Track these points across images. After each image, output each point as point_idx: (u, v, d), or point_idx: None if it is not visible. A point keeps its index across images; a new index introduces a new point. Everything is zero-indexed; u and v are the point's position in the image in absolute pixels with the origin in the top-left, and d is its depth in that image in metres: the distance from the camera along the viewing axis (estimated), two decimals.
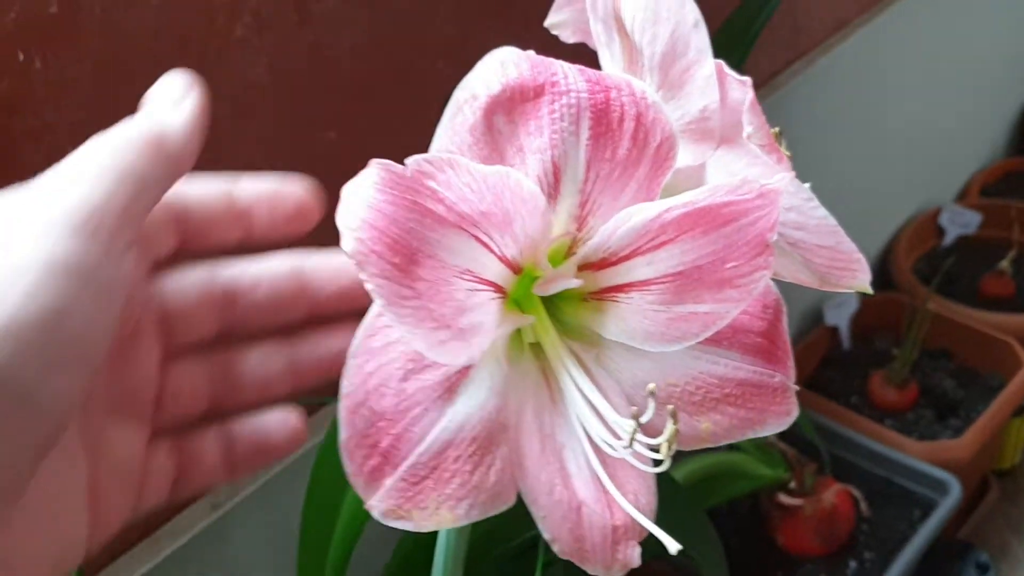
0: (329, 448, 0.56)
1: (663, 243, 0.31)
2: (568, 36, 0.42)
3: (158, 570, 0.65)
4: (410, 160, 0.28)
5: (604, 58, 0.38)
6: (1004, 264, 1.37)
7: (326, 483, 0.57)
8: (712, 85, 0.33)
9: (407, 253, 0.28)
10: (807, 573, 1.06)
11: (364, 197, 0.27)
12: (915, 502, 1.12)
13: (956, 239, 1.46)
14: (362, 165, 0.28)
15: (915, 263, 1.45)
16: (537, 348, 0.33)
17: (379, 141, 0.68)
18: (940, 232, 1.48)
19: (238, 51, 0.59)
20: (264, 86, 0.62)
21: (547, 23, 0.42)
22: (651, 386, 0.31)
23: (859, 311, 1.33)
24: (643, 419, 0.30)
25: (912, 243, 1.46)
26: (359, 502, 0.54)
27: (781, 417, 0.34)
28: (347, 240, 0.27)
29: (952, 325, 1.30)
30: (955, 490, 1.09)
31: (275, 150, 0.64)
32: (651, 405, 0.30)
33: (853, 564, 1.07)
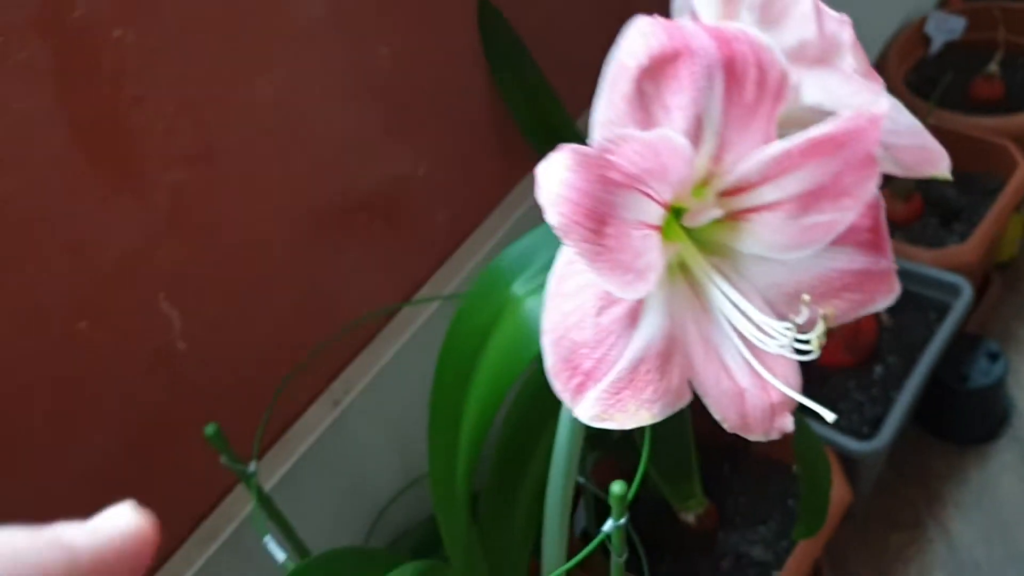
0: (446, 352, 0.63)
1: (790, 169, 0.37)
2: None
3: (296, 468, 0.72)
4: (592, 141, 0.33)
5: None
6: (992, 67, 1.41)
7: (446, 388, 0.64)
8: (809, 20, 0.38)
9: (598, 218, 0.34)
10: (837, 382, 1.17)
11: (559, 177, 0.33)
12: (930, 306, 1.21)
13: (943, 46, 1.50)
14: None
15: (906, 74, 1.50)
16: (683, 268, 0.40)
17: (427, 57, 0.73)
18: (927, 41, 1.52)
19: None
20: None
21: None
22: (806, 297, 0.37)
23: None
24: (799, 320, 0.37)
25: (901, 54, 1.50)
26: (483, 405, 0.62)
27: (887, 295, 0.41)
28: (550, 214, 0.33)
29: (947, 133, 1.36)
30: (966, 291, 1.18)
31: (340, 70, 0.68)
32: (804, 311, 0.37)
33: (879, 369, 1.17)
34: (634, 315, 0.37)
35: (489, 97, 0.80)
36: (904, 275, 1.24)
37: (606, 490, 0.94)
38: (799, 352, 0.38)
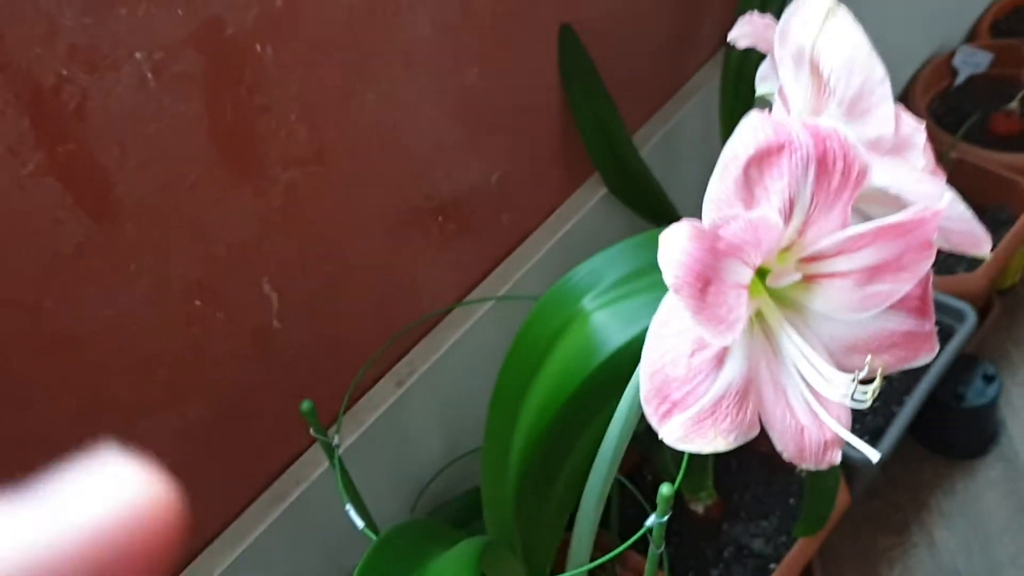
0: (515, 350, 0.70)
1: (861, 247, 0.44)
2: (743, 44, 0.53)
3: (360, 440, 0.80)
4: (705, 219, 0.40)
5: (788, 80, 0.49)
6: (1013, 104, 1.48)
7: (511, 382, 0.71)
8: (889, 121, 0.45)
9: (705, 280, 0.41)
10: None
11: (679, 245, 0.40)
12: (937, 329, 1.28)
13: (968, 79, 1.57)
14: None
15: (930, 103, 1.57)
16: (760, 317, 0.47)
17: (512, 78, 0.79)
18: (954, 72, 1.58)
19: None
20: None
21: (729, 37, 0.53)
22: (868, 359, 0.44)
23: None
24: (860, 376, 0.44)
25: (927, 84, 1.57)
26: (544, 401, 0.69)
27: (929, 353, 0.48)
28: (667, 275, 0.40)
29: (966, 165, 1.43)
30: (970, 317, 1.25)
31: (435, 87, 0.74)
32: (866, 368, 0.44)
33: (883, 384, 1.25)
34: (721, 358, 0.44)
35: (560, 112, 0.87)
36: None
37: (629, 477, 1.02)
38: (854, 400, 0.45)
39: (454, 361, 0.85)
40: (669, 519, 1.14)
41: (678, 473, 1.10)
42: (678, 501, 1.14)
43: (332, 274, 0.73)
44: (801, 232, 0.44)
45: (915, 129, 0.45)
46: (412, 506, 0.89)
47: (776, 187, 0.43)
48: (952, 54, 1.58)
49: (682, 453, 0.87)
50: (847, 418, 0.47)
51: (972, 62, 1.56)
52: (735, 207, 0.42)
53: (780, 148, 0.42)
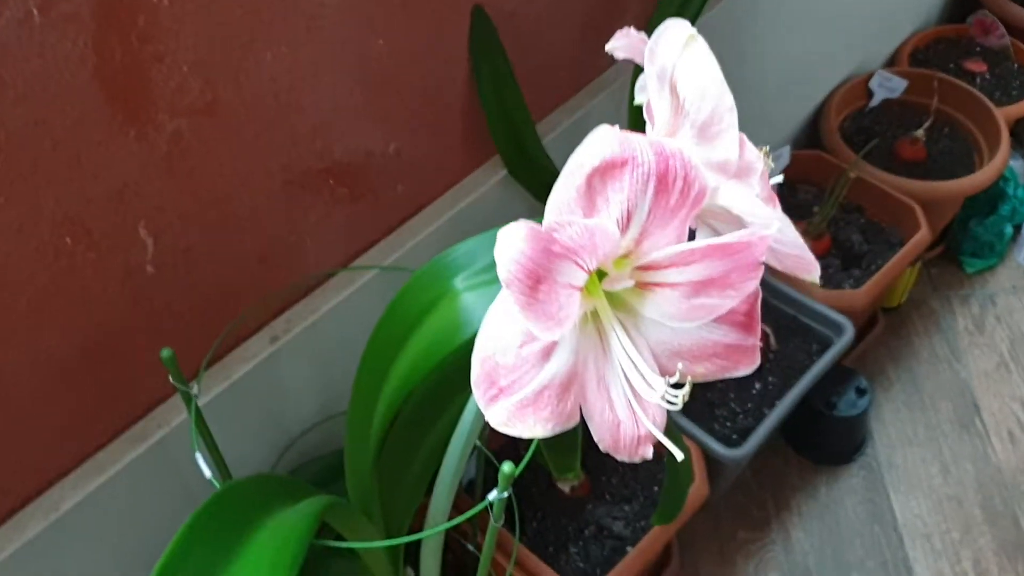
0: (386, 319, 0.72)
1: (692, 262, 0.47)
2: (620, 55, 0.55)
3: (228, 391, 0.81)
4: (545, 221, 0.43)
5: (654, 95, 0.52)
6: (919, 132, 1.54)
7: (379, 350, 0.73)
8: (734, 147, 0.48)
9: (536, 278, 0.43)
10: (720, 391, 1.29)
11: (514, 244, 0.42)
12: (815, 338, 1.34)
13: (881, 102, 1.62)
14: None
15: (842, 122, 1.62)
16: (595, 315, 0.49)
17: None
18: (869, 94, 1.64)
19: None
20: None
21: (607, 48, 0.55)
22: (680, 366, 0.47)
23: (789, 165, 1.50)
24: (672, 380, 0.47)
25: (842, 103, 1.62)
26: (408, 372, 0.71)
27: (749, 365, 0.51)
28: (500, 269, 0.43)
29: (866, 184, 1.48)
30: (849, 332, 1.31)
31: (338, 54, 0.75)
32: (678, 373, 0.47)
33: (758, 386, 1.30)
34: (548, 351, 0.46)
35: (467, 91, 0.88)
36: (797, 305, 1.37)
37: (498, 451, 1.05)
38: (668, 402, 0.48)
39: (332, 324, 0.86)
40: (536, 495, 1.18)
41: (549, 451, 1.13)
42: (546, 479, 1.17)
43: (214, 225, 0.73)
44: (638, 242, 0.46)
45: (757, 157, 0.48)
46: (275, 463, 0.91)
47: (616, 199, 0.45)
48: (870, 76, 1.63)
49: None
50: (662, 417, 0.50)
51: (888, 86, 1.62)
52: (575, 213, 0.44)
53: (624, 163, 0.45)
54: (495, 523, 0.66)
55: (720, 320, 0.50)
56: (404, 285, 0.71)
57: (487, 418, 0.47)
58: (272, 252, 0.79)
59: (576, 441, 1.12)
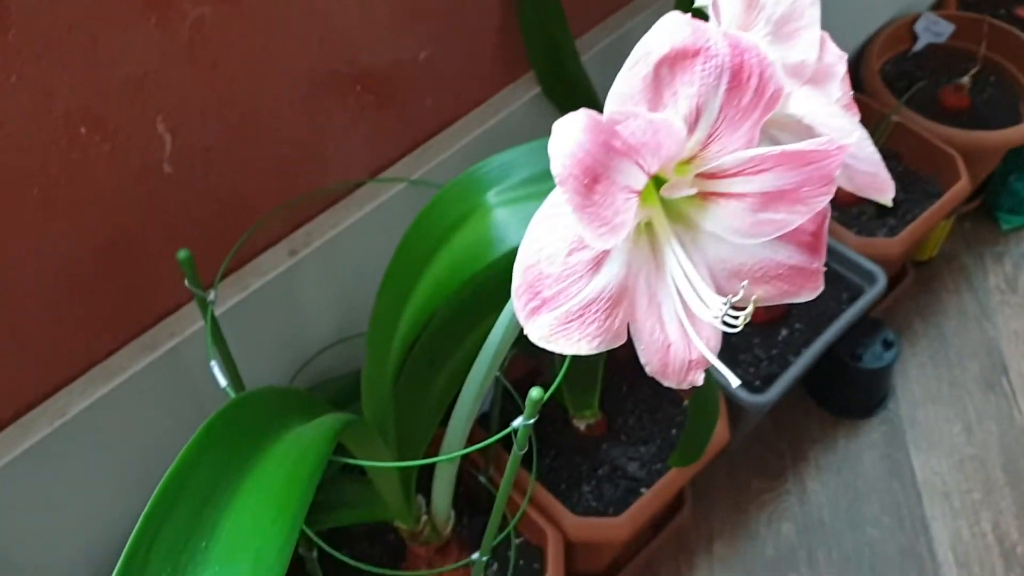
0: (412, 234, 0.68)
1: (762, 170, 0.42)
2: None
3: (244, 303, 0.78)
4: (606, 111, 0.38)
5: None
6: (964, 79, 1.48)
7: (403, 266, 0.69)
8: (814, 47, 0.44)
9: (593, 176, 0.39)
10: (744, 335, 1.26)
11: (572, 135, 0.38)
12: (845, 287, 1.30)
13: (926, 46, 1.56)
14: None
15: (883, 65, 1.56)
16: (649, 228, 0.45)
17: None
18: (914, 37, 1.57)
19: None
20: None
21: None
22: (744, 283, 0.43)
23: None
24: (734, 300, 0.43)
25: (885, 45, 1.55)
26: (432, 291, 0.68)
27: (812, 291, 0.48)
28: (555, 164, 0.38)
29: (906, 131, 1.43)
30: (881, 281, 1.27)
31: None
32: (741, 293, 0.43)
33: (784, 332, 1.26)
34: (598, 262, 0.43)
35: (504, 2, 0.83)
36: (829, 252, 1.33)
37: (514, 383, 1.02)
38: (725, 324, 0.45)
39: (354, 240, 0.82)
40: (552, 432, 1.15)
41: (568, 387, 1.10)
42: (562, 416, 1.14)
43: (234, 125, 0.69)
44: (704, 145, 0.42)
45: (838, 58, 0.43)
46: (291, 379, 0.88)
47: (685, 92, 0.41)
48: (916, 18, 1.57)
49: (573, 366, 0.86)
50: (716, 342, 0.46)
51: (934, 30, 1.55)
52: (639, 105, 0.40)
53: (696, 52, 0.40)
54: (518, 450, 0.63)
55: (785, 239, 0.46)
56: (433, 197, 0.67)
57: (527, 332, 0.43)
58: (294, 159, 0.75)
59: (596, 378, 1.09)
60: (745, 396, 1.15)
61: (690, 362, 0.46)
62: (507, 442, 1.08)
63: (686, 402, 1.16)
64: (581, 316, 0.43)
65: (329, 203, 0.82)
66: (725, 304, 0.43)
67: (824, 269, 0.47)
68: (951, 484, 1.34)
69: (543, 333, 0.43)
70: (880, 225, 1.37)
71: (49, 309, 0.67)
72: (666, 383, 0.46)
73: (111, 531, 0.78)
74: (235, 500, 0.49)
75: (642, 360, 0.46)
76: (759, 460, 1.36)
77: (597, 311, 0.43)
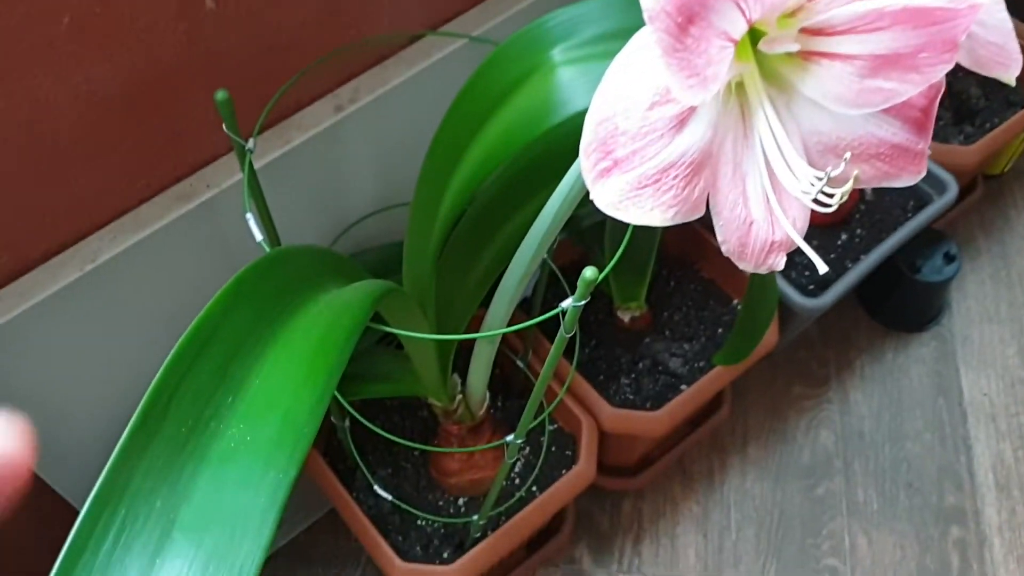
0: (467, 93, 0.63)
1: (877, 29, 0.37)
2: None
3: (284, 159, 0.74)
4: None
5: None
6: None
7: (456, 128, 0.64)
8: None
9: (688, 15, 0.34)
10: (804, 236, 1.20)
11: None
12: (913, 194, 1.23)
13: None
14: None
15: None
16: (740, 90, 0.40)
17: None
18: None
19: None
20: None
21: None
22: (848, 155, 0.38)
23: None
24: (834, 174, 0.38)
25: None
26: (485, 156, 0.63)
27: (914, 175, 0.43)
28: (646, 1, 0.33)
29: None
30: (952, 190, 1.20)
31: None
32: (842, 167, 0.38)
33: (844, 236, 1.21)
34: (683, 119, 0.38)
35: None
36: None
37: (560, 269, 0.98)
38: (816, 203, 0.40)
39: (404, 99, 0.77)
40: (593, 323, 1.11)
41: (616, 277, 1.06)
42: (606, 307, 1.11)
43: None
44: None
45: None
46: (330, 245, 0.84)
47: None
48: None
49: (625, 254, 0.81)
50: (803, 222, 0.42)
51: None
52: None
53: None
54: (565, 332, 0.59)
55: (891, 112, 0.41)
56: (492, 53, 0.62)
57: (595, 197, 0.39)
58: (346, 4, 0.70)
59: (647, 268, 1.04)
60: (798, 299, 1.11)
61: (772, 243, 0.41)
62: (548, 330, 1.04)
63: (736, 301, 1.12)
64: (657, 181, 0.38)
65: (380, 57, 0.76)
66: (821, 179, 0.38)
67: (929, 152, 0.42)
68: (999, 406, 1.30)
69: (612, 198, 0.38)
70: (956, 132, 1.30)
71: (81, 149, 0.64)
72: (742, 266, 0.42)
73: (139, 382, 0.76)
74: (265, 357, 0.46)
75: (719, 238, 0.41)
76: (802, 367, 1.32)
77: (676, 177, 0.38)
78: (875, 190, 1.22)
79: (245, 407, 0.43)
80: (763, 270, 0.42)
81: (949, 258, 1.29)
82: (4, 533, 0.82)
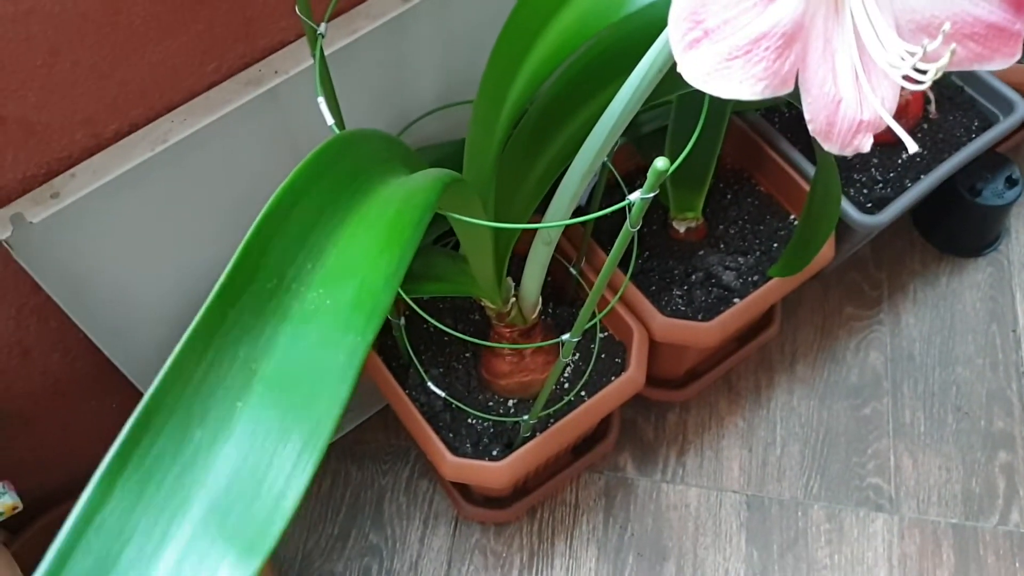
0: None
1: None
2: None
3: (351, 48, 0.73)
4: None
5: None
6: None
7: (526, 16, 0.63)
8: None
9: None
10: (862, 154, 1.18)
11: None
12: (978, 114, 1.20)
13: None
14: None
15: None
16: None
17: None
18: None
19: None
20: None
21: None
22: (946, 26, 0.38)
23: None
24: (930, 48, 0.37)
25: None
26: (555, 48, 0.62)
27: (1008, 57, 0.42)
28: None
29: None
30: (1020, 111, 1.17)
31: None
32: (939, 40, 0.38)
33: (904, 155, 1.18)
34: None
35: None
36: (965, 75, 1.23)
37: (614, 182, 0.97)
38: (908, 79, 0.39)
39: None
40: (647, 233, 1.11)
41: (674, 185, 1.05)
42: (661, 218, 1.10)
43: None
44: None
45: None
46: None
47: None
48: None
49: (685, 161, 0.80)
50: (893, 100, 0.41)
51: None
52: None
53: None
54: (631, 227, 0.59)
55: None
56: None
57: (682, 68, 0.38)
58: None
59: (707, 177, 1.03)
60: (856, 216, 1.09)
61: (860, 122, 0.41)
62: (603, 240, 1.04)
63: (793, 217, 1.11)
64: (748, 53, 0.38)
65: None
66: (915, 55, 0.38)
67: None
68: None
69: (702, 70, 0.38)
70: None
71: (154, 27, 0.64)
72: (827, 146, 0.42)
73: (203, 265, 0.77)
74: (342, 230, 0.47)
75: (807, 116, 0.41)
76: (854, 287, 1.31)
77: (767, 48, 0.38)
78: (939, 108, 1.19)
79: (324, 273, 0.44)
80: (849, 152, 0.42)
81: (1011, 182, 1.27)
82: (74, 413, 0.85)
